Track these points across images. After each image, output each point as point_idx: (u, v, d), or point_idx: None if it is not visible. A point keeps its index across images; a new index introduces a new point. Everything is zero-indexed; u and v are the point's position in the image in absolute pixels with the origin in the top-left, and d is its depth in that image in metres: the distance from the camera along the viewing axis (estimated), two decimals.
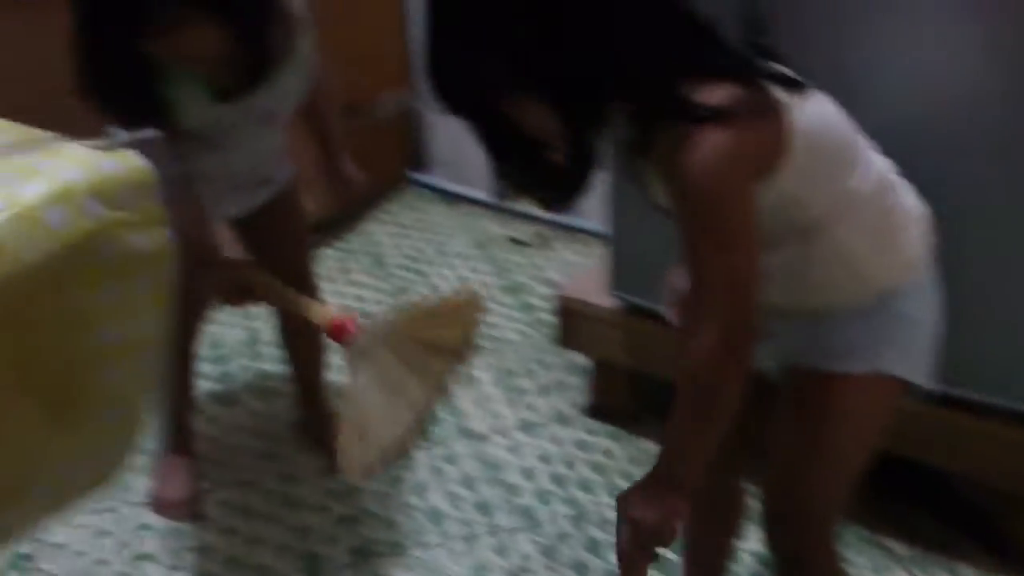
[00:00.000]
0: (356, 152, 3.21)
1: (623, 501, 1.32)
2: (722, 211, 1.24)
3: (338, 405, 1.83)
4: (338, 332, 1.66)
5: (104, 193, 1.03)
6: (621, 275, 2.25)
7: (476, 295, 1.85)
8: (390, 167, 3.56)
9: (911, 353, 1.43)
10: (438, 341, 1.74)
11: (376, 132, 3.39)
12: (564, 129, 1.26)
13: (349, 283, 3.02)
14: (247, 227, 2.07)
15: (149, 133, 1.13)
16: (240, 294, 1.81)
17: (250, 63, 1.73)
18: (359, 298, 2.94)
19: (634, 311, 2.24)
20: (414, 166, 3.64)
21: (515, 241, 3.25)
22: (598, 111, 1.27)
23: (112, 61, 1.64)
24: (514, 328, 2.79)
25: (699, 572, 1.81)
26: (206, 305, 2.11)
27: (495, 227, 3.34)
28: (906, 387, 1.44)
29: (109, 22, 1.59)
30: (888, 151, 1.43)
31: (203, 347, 2.63)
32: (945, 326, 1.47)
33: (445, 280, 3.03)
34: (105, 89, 1.68)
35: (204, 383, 2.54)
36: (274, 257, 2.14)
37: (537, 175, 1.35)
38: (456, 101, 1.27)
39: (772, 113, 1.25)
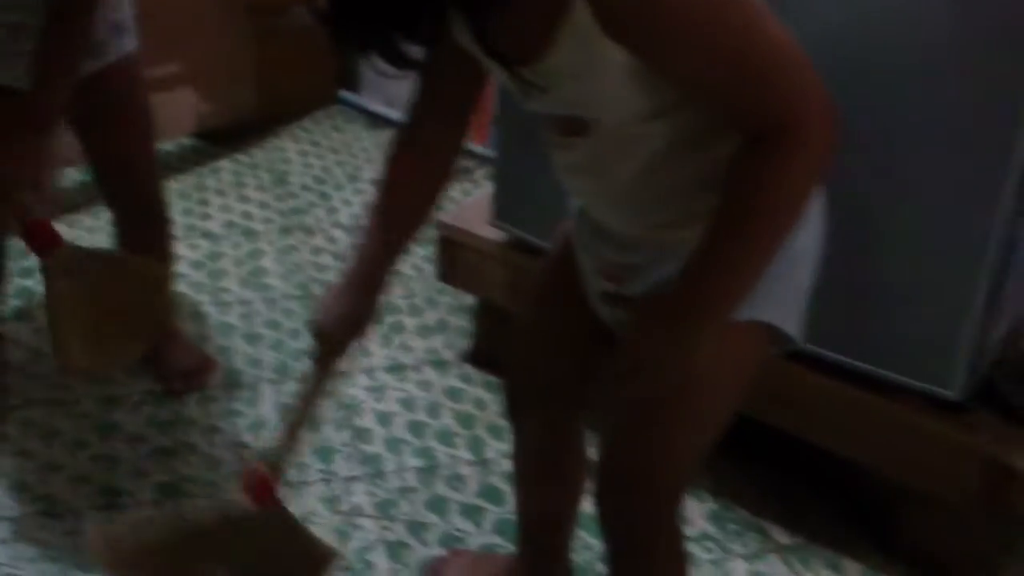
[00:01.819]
0: (279, 60, 2.96)
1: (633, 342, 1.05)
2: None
3: (50, 308, 1.66)
4: (36, 236, 1.58)
5: None
6: (506, 204, 1.96)
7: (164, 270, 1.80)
8: (316, 82, 3.25)
9: (786, 298, 1.14)
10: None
11: (302, 40, 3.07)
12: None
13: (240, 199, 2.73)
14: (77, 106, 1.79)
15: None
16: None
17: None
18: (246, 215, 2.66)
19: (519, 246, 1.95)
20: (344, 84, 3.34)
21: None
22: None
23: None
24: (410, 262, 2.50)
25: (534, 547, 1.54)
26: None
27: None
28: (774, 337, 1.16)
29: None
30: None
31: None
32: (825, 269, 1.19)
33: (348, 206, 2.74)
34: None
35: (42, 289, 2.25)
36: (105, 144, 1.86)
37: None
38: None
39: None
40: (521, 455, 1.48)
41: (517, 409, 1.45)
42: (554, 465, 1.46)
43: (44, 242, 1.61)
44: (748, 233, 0.98)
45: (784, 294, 1.14)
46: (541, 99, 1.04)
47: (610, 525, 1.28)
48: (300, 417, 1.28)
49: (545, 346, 1.37)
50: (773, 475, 1.86)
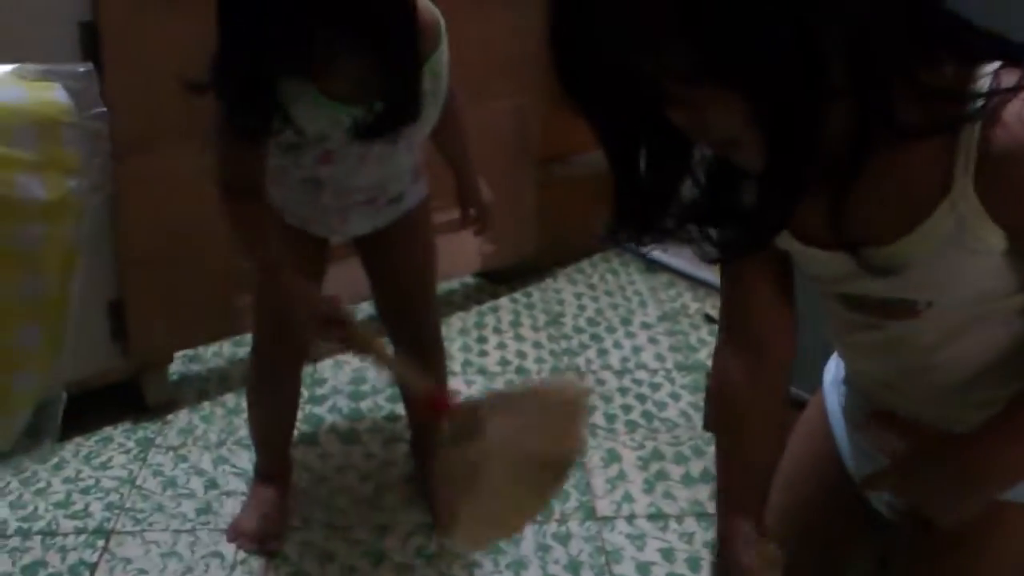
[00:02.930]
0: (560, 205, 3.08)
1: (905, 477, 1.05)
2: None
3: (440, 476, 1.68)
4: (431, 405, 1.53)
5: None
6: None
7: (581, 391, 1.74)
8: (594, 226, 3.34)
9: None
10: (537, 448, 1.47)
11: (582, 186, 3.20)
12: (767, 138, 0.85)
13: (516, 338, 2.82)
14: (370, 247, 1.93)
15: (86, 65, 0.96)
16: (328, 326, 1.63)
17: (392, 104, 1.59)
18: (520, 354, 2.74)
19: (792, 403, 1.91)
20: None
21: (709, 318, 2.95)
22: (816, 109, 0.82)
23: (253, 78, 1.51)
24: (679, 408, 2.50)
25: None
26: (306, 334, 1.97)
27: (691, 300, 3.06)
28: None
29: (263, 48, 1.44)
30: None
31: (343, 381, 2.54)
32: None
33: (618, 349, 2.77)
34: (232, 94, 1.55)
35: (331, 416, 2.41)
36: (393, 282, 1.99)
37: (705, 209, 0.97)
38: (597, 92, 0.87)
39: None
40: None
41: None
42: None
43: (436, 406, 1.54)
44: None
45: None
46: (874, 282, 0.97)
47: None
48: None
49: (800, 520, 1.33)
50: None
